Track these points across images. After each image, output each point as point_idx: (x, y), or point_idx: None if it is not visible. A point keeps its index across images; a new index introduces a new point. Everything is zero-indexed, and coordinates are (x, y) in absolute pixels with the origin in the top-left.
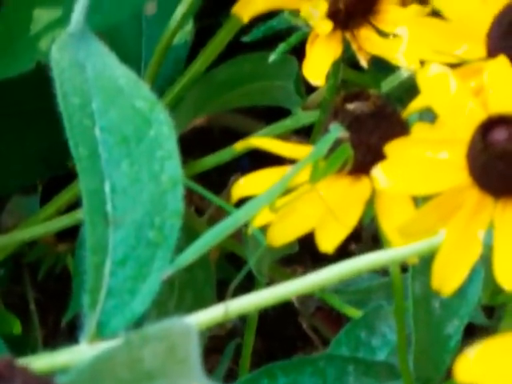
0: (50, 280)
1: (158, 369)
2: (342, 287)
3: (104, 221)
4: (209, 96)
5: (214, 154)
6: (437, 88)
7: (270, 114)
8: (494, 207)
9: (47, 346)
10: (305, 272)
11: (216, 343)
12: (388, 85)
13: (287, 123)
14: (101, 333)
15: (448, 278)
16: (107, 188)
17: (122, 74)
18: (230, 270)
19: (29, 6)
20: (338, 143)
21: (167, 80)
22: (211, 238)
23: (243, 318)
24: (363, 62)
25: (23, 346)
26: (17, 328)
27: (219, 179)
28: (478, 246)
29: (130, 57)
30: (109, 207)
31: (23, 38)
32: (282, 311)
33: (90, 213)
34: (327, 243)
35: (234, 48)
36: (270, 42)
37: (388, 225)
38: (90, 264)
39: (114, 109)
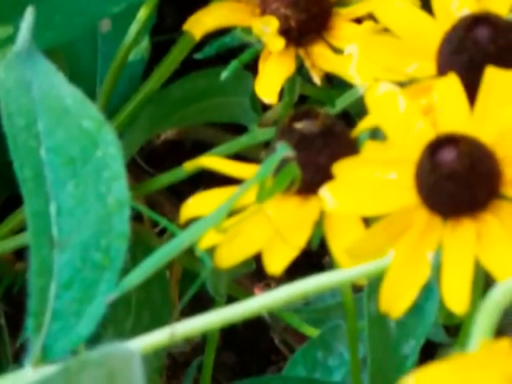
0: (22, 293)
1: None
2: (301, 306)
3: (49, 243)
4: (164, 113)
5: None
6: (385, 107)
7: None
8: (442, 228)
9: (17, 362)
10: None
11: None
12: (345, 101)
13: (243, 140)
14: (46, 356)
15: (396, 299)
16: (53, 210)
17: (69, 93)
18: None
19: None
20: (285, 163)
21: (123, 97)
22: (155, 260)
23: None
24: (316, 79)
25: None
26: None
27: (191, 190)
28: (426, 267)
29: (86, 73)
30: (54, 229)
31: None
32: (255, 325)
33: (35, 235)
34: (275, 265)
35: (189, 65)
36: (225, 57)
37: (337, 246)
38: (34, 287)
39: (60, 129)
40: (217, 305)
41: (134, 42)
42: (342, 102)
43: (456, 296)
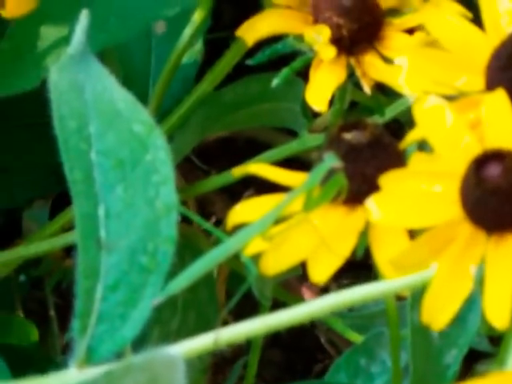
0: (71, 285)
1: None
2: (345, 311)
3: (97, 245)
4: (216, 116)
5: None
6: (433, 120)
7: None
8: (486, 242)
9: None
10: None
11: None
12: (395, 109)
13: (293, 146)
14: (90, 358)
15: (439, 312)
16: (101, 212)
17: (121, 96)
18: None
19: (36, 24)
20: (332, 172)
21: (175, 99)
22: (201, 265)
23: None
24: (367, 88)
25: (42, 353)
26: (34, 335)
27: (243, 189)
28: (469, 281)
29: (139, 75)
30: (102, 231)
31: (30, 56)
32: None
33: (83, 237)
34: (319, 273)
35: (242, 69)
36: (277, 63)
37: (381, 256)
38: (81, 288)
39: (111, 132)
40: (263, 307)
41: (188, 45)
42: (391, 111)
43: (497, 310)
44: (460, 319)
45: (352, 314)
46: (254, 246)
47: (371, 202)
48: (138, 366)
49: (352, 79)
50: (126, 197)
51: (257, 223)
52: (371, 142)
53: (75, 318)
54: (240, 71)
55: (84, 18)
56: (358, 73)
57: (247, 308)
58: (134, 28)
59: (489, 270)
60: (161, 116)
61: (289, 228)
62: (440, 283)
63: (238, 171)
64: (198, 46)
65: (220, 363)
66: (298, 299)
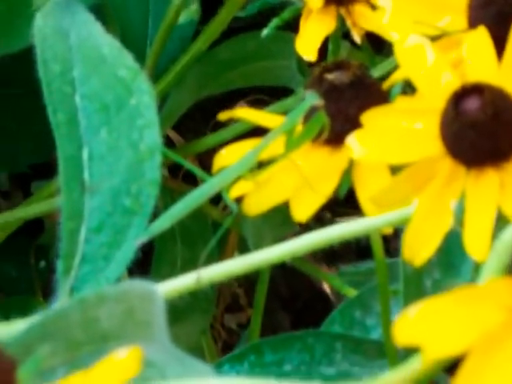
0: None
1: (115, 330)
2: (344, 268)
3: (80, 187)
4: (211, 74)
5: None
6: (414, 58)
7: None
8: (466, 177)
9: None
10: None
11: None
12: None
13: (289, 102)
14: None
15: (420, 247)
16: (85, 155)
17: (106, 42)
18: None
19: None
20: (314, 111)
21: (172, 58)
22: (185, 205)
23: None
24: (357, 38)
25: None
26: None
27: None
28: (449, 215)
29: (136, 35)
30: (86, 174)
31: (24, 14)
32: (317, 299)
33: (67, 179)
34: (302, 212)
35: (238, 27)
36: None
37: (364, 195)
38: (64, 230)
39: (95, 77)
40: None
41: (184, 4)
42: (384, 67)
43: (477, 243)
44: (453, 269)
45: (350, 270)
46: (238, 189)
47: (352, 139)
48: (112, 296)
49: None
50: (109, 140)
51: (238, 162)
52: (354, 82)
53: (59, 259)
54: (236, 29)
55: None
56: (349, 23)
57: None
58: None
59: (469, 205)
60: (157, 75)
61: (271, 169)
62: (421, 219)
63: (225, 115)
64: (195, 5)
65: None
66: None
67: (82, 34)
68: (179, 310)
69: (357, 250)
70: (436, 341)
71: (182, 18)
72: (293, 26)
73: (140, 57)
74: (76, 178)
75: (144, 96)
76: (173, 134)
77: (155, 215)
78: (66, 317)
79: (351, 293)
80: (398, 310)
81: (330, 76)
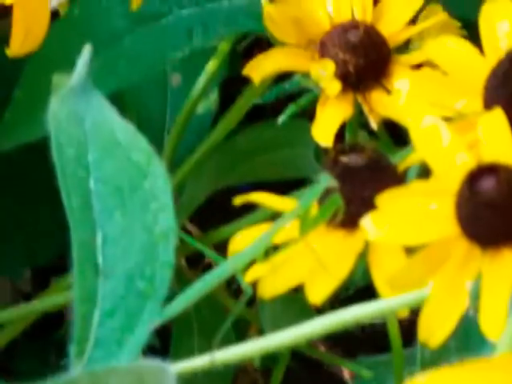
0: None
1: None
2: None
3: (94, 271)
4: (229, 164)
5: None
6: (429, 140)
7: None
8: (481, 258)
9: None
10: None
11: None
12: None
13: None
14: None
15: (435, 329)
16: (99, 238)
17: (120, 127)
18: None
19: (48, 71)
20: (329, 194)
21: (190, 149)
22: (199, 288)
23: None
24: (374, 125)
25: None
26: None
27: None
28: (465, 296)
29: (154, 125)
30: (99, 257)
31: (44, 101)
32: None
33: (80, 263)
34: (316, 295)
35: (256, 115)
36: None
37: (379, 277)
38: (77, 314)
39: (109, 161)
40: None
41: (203, 95)
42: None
43: (494, 325)
44: (471, 352)
45: (369, 360)
46: (254, 272)
47: (367, 221)
48: (123, 370)
49: (366, 127)
50: (123, 223)
51: (250, 246)
52: (369, 164)
53: (72, 343)
54: (254, 118)
55: (86, 52)
56: (365, 109)
57: None
58: (143, 71)
59: (485, 285)
60: (175, 166)
61: (286, 252)
62: (436, 300)
63: (240, 200)
64: (213, 95)
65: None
66: (316, 349)
67: (97, 119)
68: None
69: (375, 342)
70: None
71: (201, 108)
72: (311, 115)
73: (158, 147)
74: (89, 261)
75: (158, 179)
76: (190, 227)
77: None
78: None
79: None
80: None
81: (344, 158)
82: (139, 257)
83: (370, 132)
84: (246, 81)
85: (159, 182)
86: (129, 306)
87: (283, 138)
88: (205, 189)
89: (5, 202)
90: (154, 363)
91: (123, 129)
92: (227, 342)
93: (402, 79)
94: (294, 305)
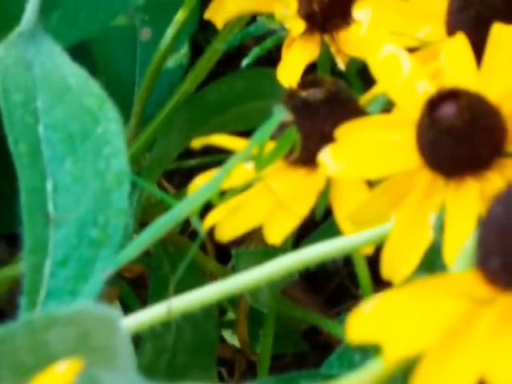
0: None
1: (68, 355)
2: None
3: (44, 220)
4: (200, 118)
5: None
6: (390, 70)
7: None
8: (445, 188)
9: None
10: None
11: None
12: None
13: None
14: None
15: (399, 265)
16: (49, 186)
17: (72, 72)
18: (305, 345)
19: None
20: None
21: (161, 104)
22: (151, 233)
23: None
24: (341, 65)
25: None
26: None
27: None
28: (429, 230)
29: (123, 80)
30: (50, 205)
31: None
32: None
33: (30, 211)
34: (275, 234)
35: (227, 67)
36: (264, 60)
37: (341, 213)
38: (28, 264)
39: (60, 106)
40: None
41: (172, 47)
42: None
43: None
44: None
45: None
46: (212, 217)
47: (326, 155)
48: (64, 318)
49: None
50: (75, 170)
51: (204, 186)
52: (328, 98)
53: (23, 294)
54: (225, 70)
55: None
56: (333, 50)
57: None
58: (104, 21)
59: (449, 217)
60: (145, 120)
61: (245, 193)
62: (399, 234)
63: (199, 142)
64: (184, 49)
65: None
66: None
67: (47, 65)
68: (177, 366)
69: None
70: (394, 337)
71: (171, 62)
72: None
73: (127, 102)
74: (39, 210)
75: (111, 124)
76: (166, 185)
77: None
78: (11, 340)
79: None
80: None
81: (303, 93)
82: (92, 204)
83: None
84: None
85: (112, 126)
86: (82, 255)
87: (255, 88)
88: (176, 144)
89: None
90: (99, 311)
91: (75, 74)
92: None
93: (362, 9)
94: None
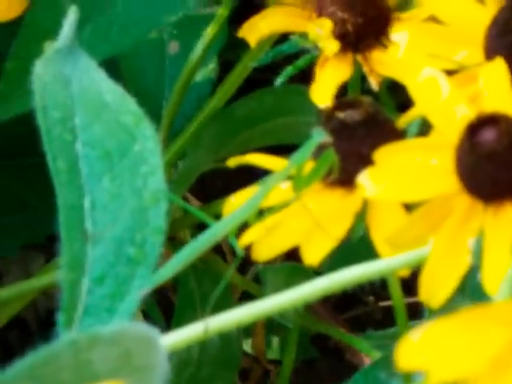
0: None
1: (110, 374)
2: (371, 332)
3: (82, 237)
4: (229, 133)
5: None
6: (429, 93)
7: None
8: (483, 213)
9: None
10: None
11: None
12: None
13: None
14: None
15: (437, 289)
16: (87, 203)
17: (108, 89)
18: (314, 351)
19: (38, 41)
20: (323, 150)
21: (189, 119)
22: (188, 253)
23: None
24: (374, 85)
25: None
26: None
27: None
28: (467, 255)
29: (152, 95)
30: (88, 223)
31: None
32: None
33: (67, 228)
34: (312, 256)
35: (256, 83)
36: (293, 77)
37: (378, 236)
38: (65, 281)
39: (97, 124)
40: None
41: (200, 62)
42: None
43: (496, 281)
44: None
45: (376, 334)
46: (249, 235)
47: (364, 177)
48: (107, 338)
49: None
50: (112, 187)
51: (242, 207)
52: (366, 120)
53: (60, 311)
54: (254, 85)
55: (72, 13)
56: (365, 69)
57: None
58: (136, 36)
59: (487, 242)
60: (173, 135)
61: (282, 213)
62: (437, 259)
63: (234, 161)
64: (212, 64)
65: None
66: (324, 324)
67: (84, 81)
68: (200, 378)
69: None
70: (441, 364)
71: (200, 76)
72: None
73: (156, 117)
74: (77, 227)
75: (148, 142)
76: (192, 198)
77: None
78: (55, 359)
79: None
80: None
81: (340, 114)
82: (129, 222)
83: (375, 98)
84: (247, 47)
85: (149, 144)
86: (119, 273)
87: (284, 104)
88: (205, 158)
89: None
90: (140, 331)
91: (111, 91)
92: None
93: (399, 32)
94: (297, 276)
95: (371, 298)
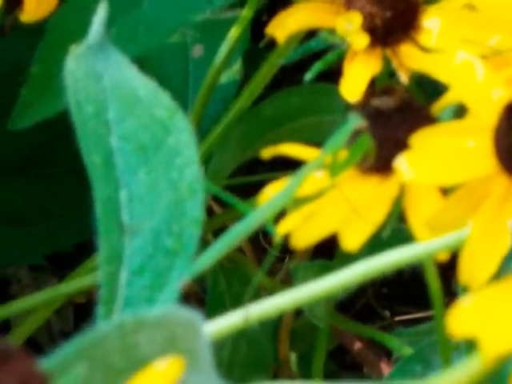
0: None
1: (157, 357)
2: (402, 329)
3: (119, 229)
4: (256, 133)
5: None
6: (464, 76)
7: None
8: None
9: None
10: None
11: None
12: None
13: None
14: None
15: (477, 271)
16: (123, 196)
17: (141, 84)
18: (333, 365)
19: (64, 42)
20: (358, 135)
21: (214, 120)
22: (226, 241)
23: None
24: (404, 79)
25: None
26: None
27: None
28: (506, 236)
29: (176, 97)
30: (125, 215)
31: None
32: None
33: (105, 221)
34: (352, 242)
35: (283, 82)
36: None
37: (416, 220)
38: (104, 274)
39: (131, 118)
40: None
41: (226, 64)
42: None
43: None
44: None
45: (408, 331)
46: (286, 224)
47: (401, 161)
48: (153, 322)
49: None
50: (148, 180)
51: (278, 194)
52: (401, 106)
53: (100, 303)
54: (280, 85)
55: (102, 10)
56: (395, 63)
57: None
58: (162, 36)
59: None
60: (200, 137)
61: (319, 200)
62: (476, 241)
63: (268, 152)
64: (237, 65)
65: None
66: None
67: (116, 76)
68: (231, 380)
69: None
70: (493, 333)
71: (224, 78)
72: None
73: None
74: (114, 220)
75: (182, 134)
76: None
77: None
78: (103, 342)
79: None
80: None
81: (375, 101)
82: (166, 214)
83: None
84: (271, 49)
85: (183, 136)
86: (157, 264)
87: (311, 103)
88: (232, 159)
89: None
90: (185, 315)
91: (144, 85)
92: None
93: (431, 19)
94: (328, 274)
95: (387, 313)
